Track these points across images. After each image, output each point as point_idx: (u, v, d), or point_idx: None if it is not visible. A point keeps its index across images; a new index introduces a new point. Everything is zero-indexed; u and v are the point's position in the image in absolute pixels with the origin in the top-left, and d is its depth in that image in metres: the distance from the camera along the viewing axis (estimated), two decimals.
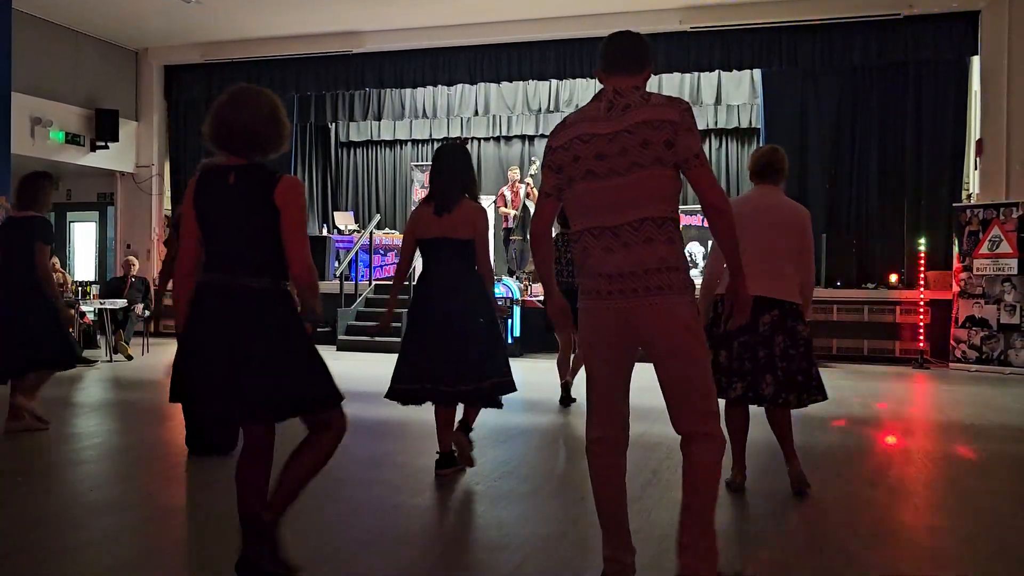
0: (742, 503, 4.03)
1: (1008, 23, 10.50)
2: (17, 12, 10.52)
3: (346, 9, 11.77)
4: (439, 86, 13.40)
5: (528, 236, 3.01)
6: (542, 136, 14.64)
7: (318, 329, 2.90)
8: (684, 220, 12.23)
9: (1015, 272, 9.66)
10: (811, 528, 3.75)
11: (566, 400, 6.98)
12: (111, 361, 10.03)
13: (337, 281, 12.11)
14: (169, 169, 14.19)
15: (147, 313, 10.78)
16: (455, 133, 15.08)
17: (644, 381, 2.82)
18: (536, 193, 3.12)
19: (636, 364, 2.79)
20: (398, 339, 4.73)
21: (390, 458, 5.06)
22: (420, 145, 15.71)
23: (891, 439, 5.90)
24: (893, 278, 11.06)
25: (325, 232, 14.32)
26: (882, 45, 11.08)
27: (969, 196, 10.93)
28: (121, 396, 7.78)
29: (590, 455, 2.83)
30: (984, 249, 9.94)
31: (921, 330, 10.56)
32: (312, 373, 2.79)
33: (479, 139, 15.36)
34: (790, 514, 3.94)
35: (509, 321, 10.81)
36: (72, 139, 12.51)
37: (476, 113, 14.52)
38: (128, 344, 10.39)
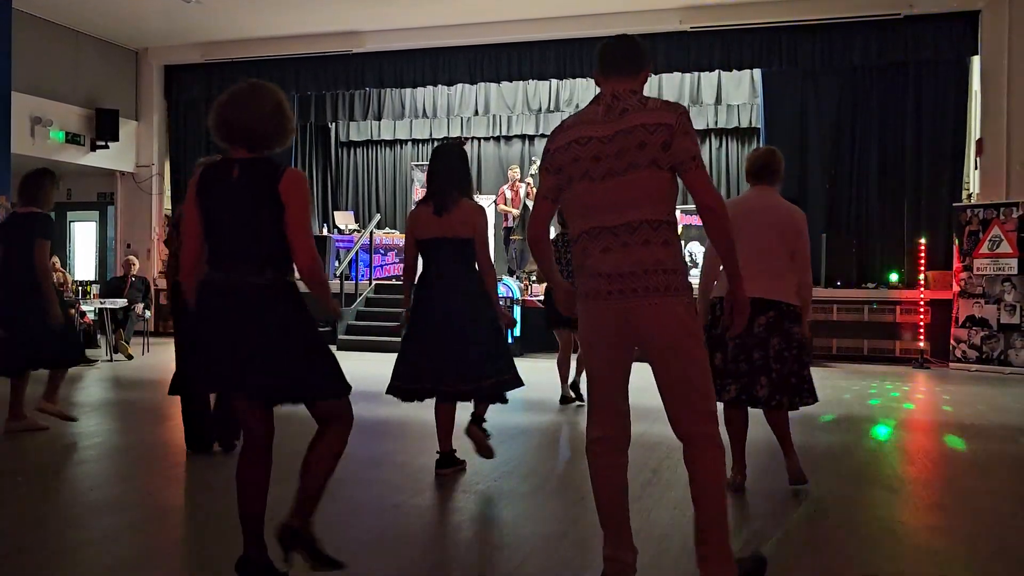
0: (742, 503, 4.04)
1: (1008, 23, 10.50)
2: (17, 12, 10.52)
3: (346, 9, 11.77)
4: (439, 86, 13.41)
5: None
6: (542, 136, 14.65)
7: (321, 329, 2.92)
8: (684, 220, 12.25)
9: (1015, 272, 9.67)
10: (811, 528, 3.75)
11: (566, 400, 6.99)
12: (111, 360, 10.04)
13: (337, 281, 12.12)
14: (169, 169, 14.20)
15: (147, 313, 10.79)
16: (455, 133, 15.10)
17: (644, 381, 2.82)
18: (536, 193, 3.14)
19: (636, 364, 2.80)
20: (398, 339, 4.73)
21: (390, 458, 5.06)
22: (420, 145, 15.72)
23: (891, 439, 5.90)
24: (893, 277, 11.06)
25: (325, 232, 14.33)
26: (882, 45, 11.08)
27: (969, 196, 10.93)
28: (121, 396, 7.78)
29: (590, 454, 2.84)
30: (984, 249, 9.95)
31: (921, 330, 10.56)
32: (317, 363, 2.78)
33: (479, 139, 15.38)
34: (790, 514, 3.94)
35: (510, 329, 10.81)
36: (72, 139, 12.52)
37: (476, 113, 14.53)
38: (128, 344, 10.40)
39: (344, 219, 14.43)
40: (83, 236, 14.57)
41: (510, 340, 10.47)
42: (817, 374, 9.11)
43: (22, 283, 5.46)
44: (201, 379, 2.89)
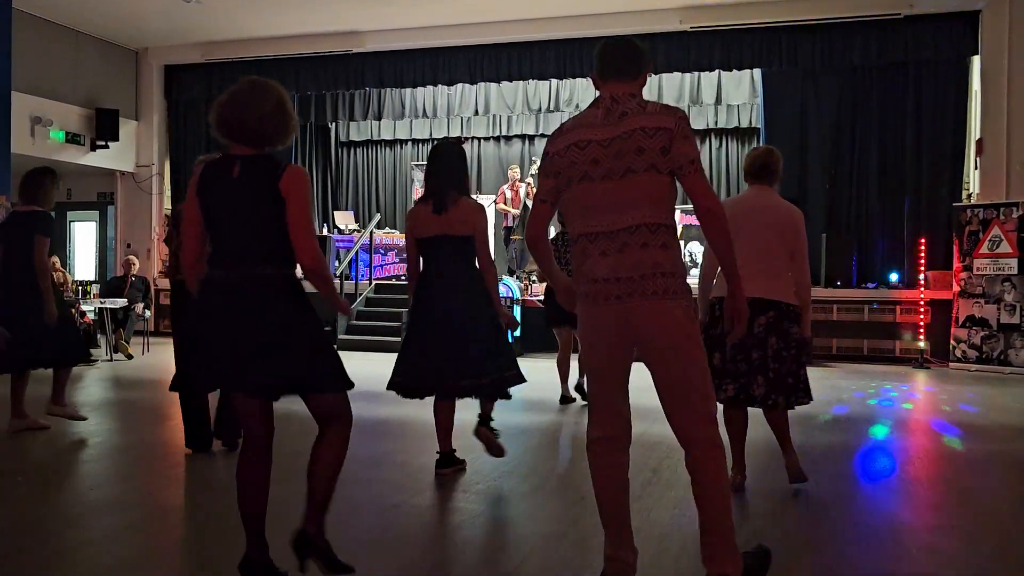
0: (742, 503, 4.03)
1: (1008, 23, 10.50)
2: (17, 12, 10.52)
3: (346, 9, 11.77)
4: (439, 86, 13.40)
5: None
6: (542, 136, 14.66)
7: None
8: (685, 220, 12.24)
9: (1015, 272, 9.67)
10: (811, 528, 3.75)
11: (566, 400, 6.99)
12: (111, 360, 10.04)
13: (338, 281, 12.12)
14: (169, 168, 14.20)
15: (147, 313, 10.79)
16: (455, 133, 15.09)
17: (644, 381, 2.82)
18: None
19: (636, 363, 2.80)
20: (398, 339, 4.73)
21: (390, 457, 5.06)
22: (420, 145, 15.71)
23: (891, 439, 5.90)
24: (893, 277, 11.06)
25: (325, 232, 14.33)
26: (882, 45, 11.08)
27: (969, 196, 10.93)
28: (121, 395, 7.78)
29: (591, 454, 2.84)
30: (984, 249, 9.95)
31: (921, 330, 10.56)
32: (319, 358, 2.78)
33: (479, 139, 15.38)
34: (790, 514, 3.95)
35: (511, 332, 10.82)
36: (72, 139, 12.51)
37: (476, 113, 14.53)
38: (128, 343, 10.40)
39: (344, 219, 14.43)
40: (83, 236, 14.57)
41: (510, 339, 10.49)
42: (817, 374, 9.13)
43: (23, 282, 5.45)
44: (201, 378, 2.88)
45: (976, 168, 10.83)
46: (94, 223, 14.42)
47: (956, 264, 10.27)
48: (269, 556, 2.84)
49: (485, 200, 11.67)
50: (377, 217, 14.26)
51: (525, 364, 4.92)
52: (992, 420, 6.56)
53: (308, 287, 2.86)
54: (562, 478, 4.76)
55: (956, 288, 10.23)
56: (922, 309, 10.57)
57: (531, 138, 15.07)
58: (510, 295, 11.17)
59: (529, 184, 12.69)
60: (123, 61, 13.74)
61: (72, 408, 5.83)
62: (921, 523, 3.87)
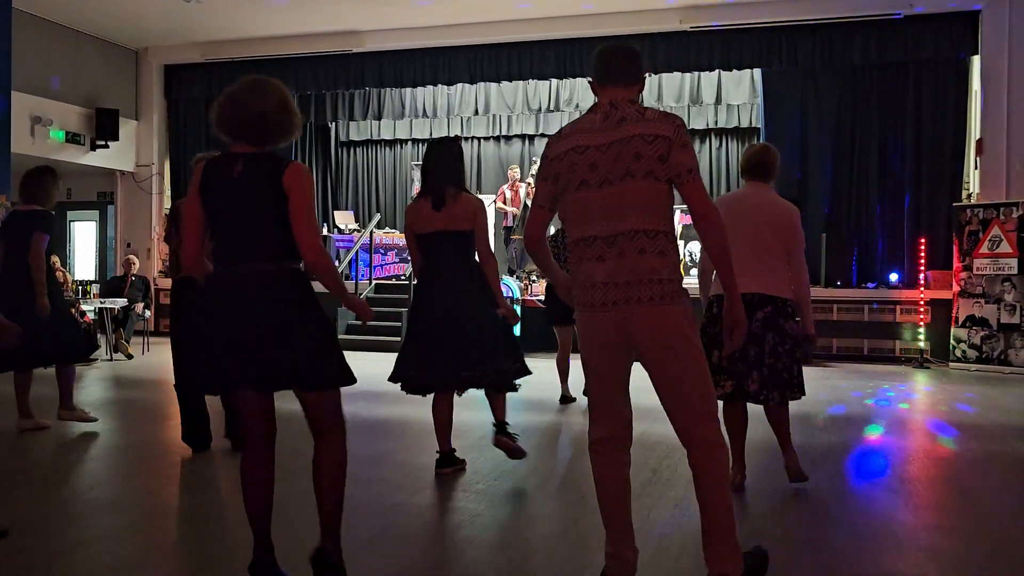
0: (742, 502, 4.03)
1: (1008, 23, 10.50)
2: (17, 11, 10.52)
3: (346, 9, 11.77)
4: (439, 86, 13.40)
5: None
6: (542, 136, 14.66)
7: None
8: (684, 220, 12.24)
9: (1015, 272, 9.67)
10: (811, 527, 3.75)
11: (566, 399, 7.00)
12: (111, 360, 10.04)
13: None
14: (169, 168, 14.19)
15: (147, 312, 10.79)
16: (455, 133, 15.08)
17: (644, 381, 2.82)
18: None
19: (636, 363, 2.80)
20: (398, 339, 4.73)
21: (390, 456, 5.06)
22: (420, 145, 15.69)
23: (891, 438, 5.90)
24: (893, 277, 11.06)
25: (325, 231, 14.32)
26: (882, 45, 11.08)
27: (969, 196, 10.93)
28: (121, 395, 7.78)
29: (593, 455, 2.85)
30: (984, 249, 9.95)
31: (921, 330, 10.56)
32: (318, 354, 2.76)
33: (479, 139, 15.38)
34: (789, 513, 3.95)
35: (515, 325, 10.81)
36: (72, 138, 12.51)
37: (476, 113, 14.52)
38: (128, 343, 10.40)
39: (344, 219, 14.43)
40: (83, 236, 14.57)
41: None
42: (817, 374, 9.13)
43: (24, 282, 5.45)
44: (202, 379, 2.88)
45: (976, 168, 10.83)
46: (94, 223, 14.42)
47: (956, 264, 10.27)
48: (274, 558, 2.84)
49: (485, 200, 11.66)
50: (377, 217, 14.25)
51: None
52: (992, 420, 6.56)
53: (319, 287, 2.85)
54: (562, 478, 4.76)
55: (956, 288, 10.23)
56: (922, 309, 10.57)
57: (531, 138, 15.07)
58: (510, 295, 11.17)
59: (529, 184, 12.68)
60: (123, 61, 13.74)
61: (81, 411, 5.83)
62: (921, 523, 3.87)
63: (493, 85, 13.72)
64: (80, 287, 12.01)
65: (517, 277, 12.03)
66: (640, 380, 2.86)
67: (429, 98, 14.40)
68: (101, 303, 10.39)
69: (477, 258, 4.43)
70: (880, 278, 11.20)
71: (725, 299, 2.81)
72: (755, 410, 4.25)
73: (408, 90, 14.02)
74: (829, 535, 3.60)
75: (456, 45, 12.55)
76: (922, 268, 10.64)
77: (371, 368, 5.96)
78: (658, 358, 2.69)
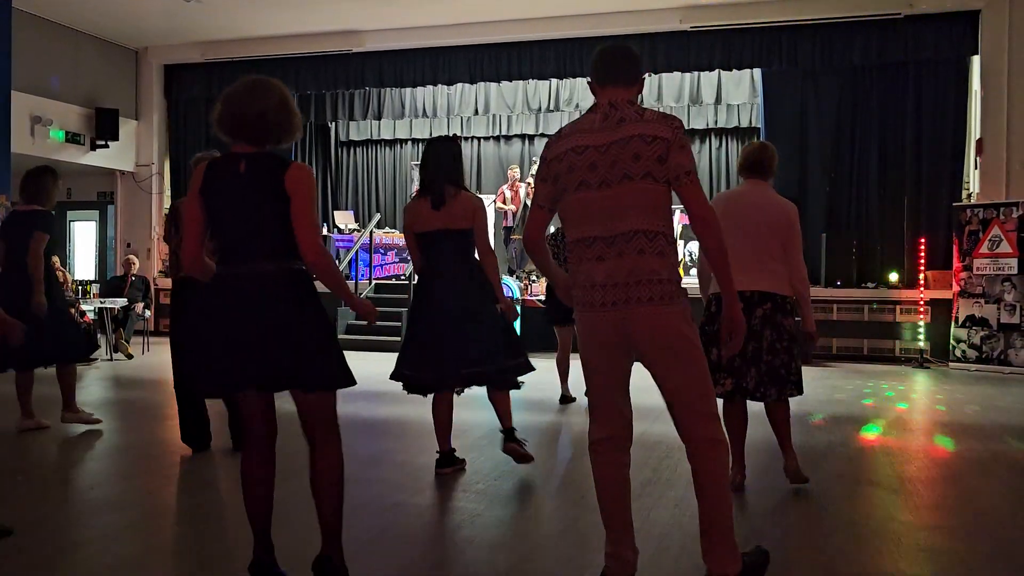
0: (742, 502, 4.03)
1: (1008, 23, 10.49)
2: (17, 11, 10.52)
3: (346, 8, 11.77)
4: (439, 86, 13.40)
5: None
6: (542, 135, 14.66)
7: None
8: (684, 220, 12.24)
9: (1015, 272, 9.67)
10: (811, 527, 3.75)
11: (566, 399, 6.99)
12: (111, 360, 10.04)
13: None
14: (169, 168, 14.19)
15: (147, 312, 10.78)
16: (455, 132, 15.09)
17: (644, 381, 2.83)
18: None
19: (636, 363, 2.80)
20: (398, 339, 4.73)
21: (390, 456, 5.06)
22: (420, 144, 15.68)
23: (890, 438, 5.90)
24: (893, 277, 11.06)
25: (325, 231, 14.32)
26: (882, 45, 11.08)
27: (969, 196, 10.93)
28: (121, 395, 7.78)
29: (593, 455, 2.85)
30: (984, 249, 9.95)
31: (921, 329, 10.56)
32: (317, 355, 2.76)
33: (479, 138, 15.38)
34: (789, 513, 3.95)
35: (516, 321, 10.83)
36: (72, 138, 12.51)
37: (476, 112, 14.52)
38: (128, 343, 10.40)
39: (344, 219, 14.43)
40: (83, 235, 14.57)
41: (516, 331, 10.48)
42: (817, 374, 9.13)
43: (24, 282, 5.45)
44: (202, 381, 2.87)
45: (976, 168, 10.83)
46: (94, 223, 14.42)
47: (956, 264, 10.27)
48: (274, 558, 2.84)
49: (485, 200, 11.67)
50: (377, 217, 14.25)
51: None
52: (992, 420, 6.55)
53: (321, 288, 2.85)
54: (562, 478, 4.76)
55: (956, 288, 10.22)
56: (922, 309, 10.57)
57: (531, 138, 15.07)
58: (510, 295, 11.18)
59: (529, 184, 12.68)
60: (123, 60, 13.74)
61: (85, 413, 5.83)
62: (921, 523, 3.87)
63: (493, 85, 13.72)
64: (80, 287, 12.01)
65: (517, 277, 12.03)
66: (640, 380, 2.86)
67: (429, 98, 14.39)
68: (101, 303, 10.39)
69: (477, 256, 4.43)
70: (880, 278, 11.20)
71: (723, 304, 2.81)
72: (755, 410, 4.25)
73: (408, 90, 14.02)
74: (829, 535, 3.60)
75: (456, 45, 12.55)
76: (922, 268, 10.64)
77: (371, 368, 5.97)
78: (657, 358, 2.69)
